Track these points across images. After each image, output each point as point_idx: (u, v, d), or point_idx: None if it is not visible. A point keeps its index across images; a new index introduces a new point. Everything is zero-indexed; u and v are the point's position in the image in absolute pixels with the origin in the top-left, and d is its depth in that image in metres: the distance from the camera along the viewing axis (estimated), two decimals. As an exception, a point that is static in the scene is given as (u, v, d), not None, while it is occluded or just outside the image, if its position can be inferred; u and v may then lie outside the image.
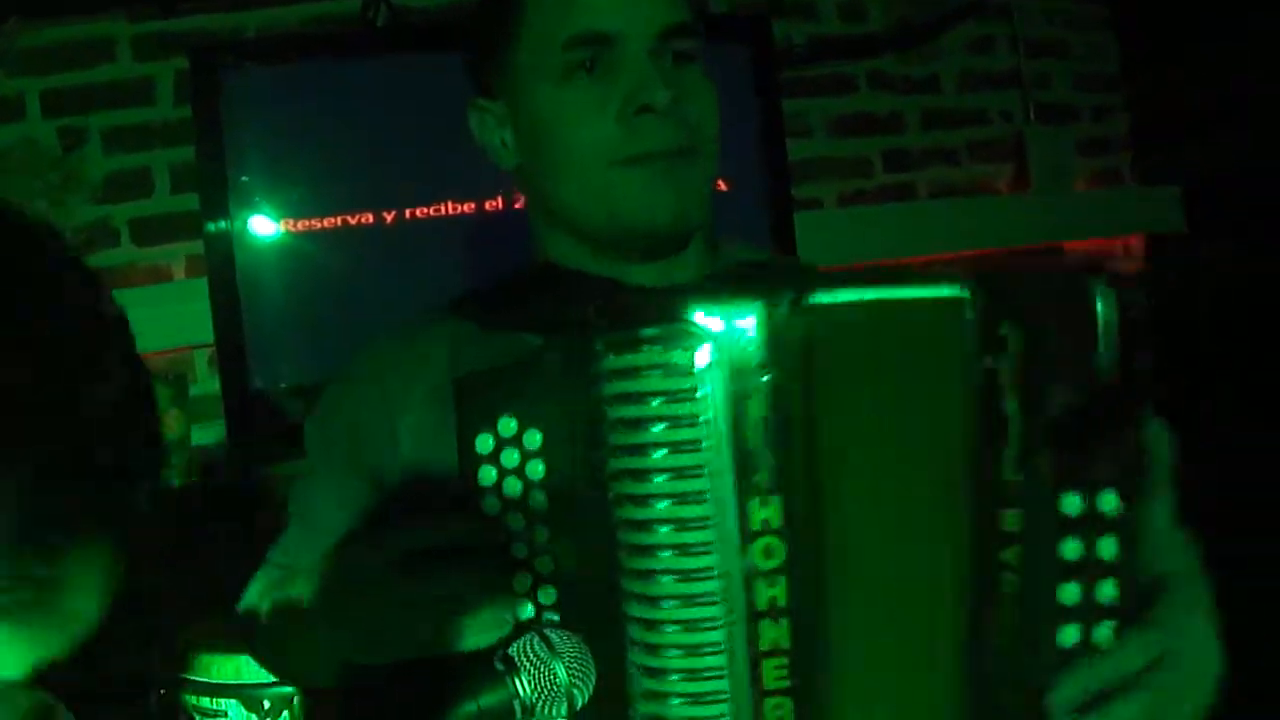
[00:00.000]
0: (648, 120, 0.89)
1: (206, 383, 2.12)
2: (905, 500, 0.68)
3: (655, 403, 0.65)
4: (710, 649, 0.65)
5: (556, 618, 0.73)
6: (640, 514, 0.66)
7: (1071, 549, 0.67)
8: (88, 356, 0.55)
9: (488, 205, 2.11)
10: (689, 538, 0.65)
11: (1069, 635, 0.67)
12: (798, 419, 0.66)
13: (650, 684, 0.67)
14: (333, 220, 2.08)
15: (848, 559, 0.68)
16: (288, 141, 2.08)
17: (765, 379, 0.65)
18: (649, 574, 0.66)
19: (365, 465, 0.93)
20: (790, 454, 0.66)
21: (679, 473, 0.65)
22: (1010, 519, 0.67)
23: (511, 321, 0.93)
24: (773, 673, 0.66)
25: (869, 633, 0.68)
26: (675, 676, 0.66)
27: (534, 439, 0.72)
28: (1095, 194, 2.55)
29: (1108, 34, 2.59)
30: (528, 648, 0.67)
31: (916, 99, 2.47)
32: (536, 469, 0.72)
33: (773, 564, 0.65)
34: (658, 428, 0.65)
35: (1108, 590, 0.67)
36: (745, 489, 0.65)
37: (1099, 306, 0.67)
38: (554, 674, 0.66)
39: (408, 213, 2.09)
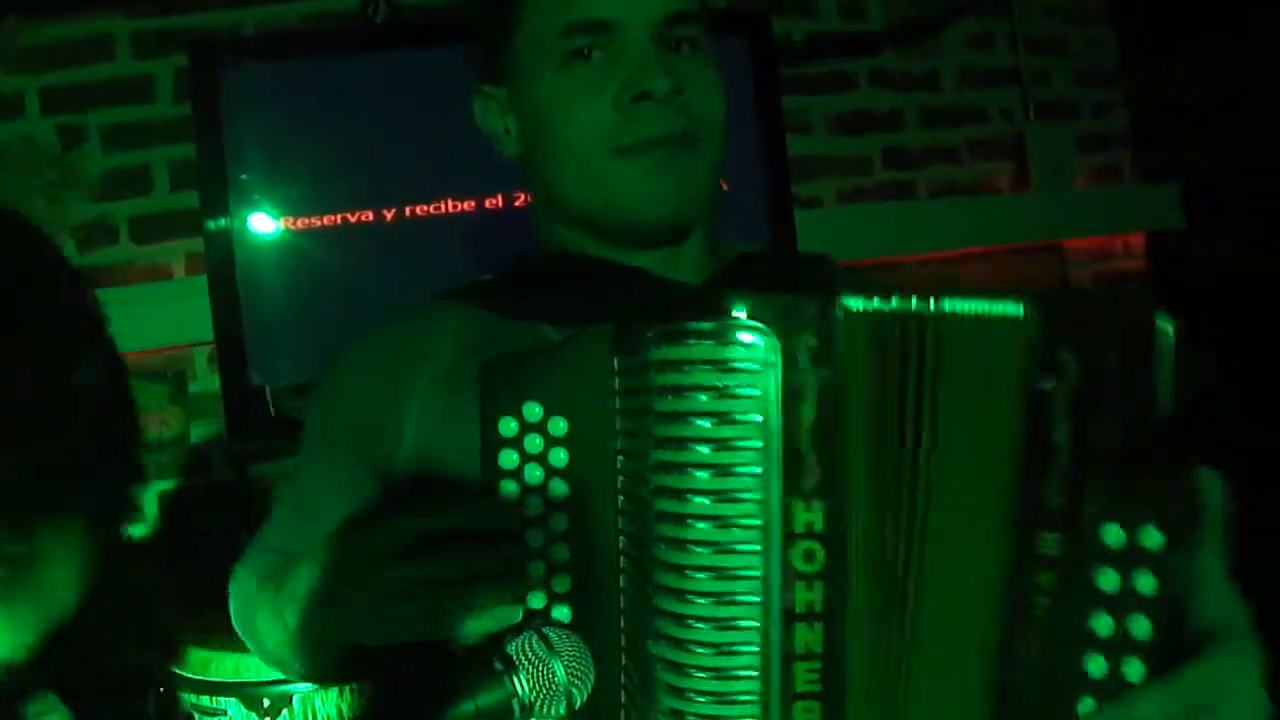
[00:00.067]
0: (646, 108, 0.88)
1: (206, 380, 2.12)
2: (946, 514, 0.67)
3: (704, 398, 0.64)
4: (743, 648, 0.64)
5: (568, 608, 0.73)
6: (679, 508, 0.65)
7: (1108, 580, 0.66)
8: (59, 338, 0.56)
9: (488, 203, 2.11)
10: (728, 535, 0.64)
11: (1097, 666, 0.66)
12: (846, 424, 0.65)
13: (674, 679, 0.66)
14: (332, 218, 2.08)
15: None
16: (287, 139, 2.08)
17: (817, 381, 0.64)
18: (682, 569, 0.65)
19: (367, 454, 0.93)
20: (837, 458, 0.65)
21: (723, 470, 0.64)
22: (1048, 543, 0.66)
23: (530, 310, 0.93)
24: (804, 675, 0.65)
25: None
26: (702, 674, 0.65)
27: (559, 426, 0.72)
28: (1095, 191, 2.55)
29: (1107, 29, 2.59)
30: (526, 646, 0.66)
31: (916, 96, 2.47)
32: (560, 456, 0.72)
33: (812, 568, 0.64)
34: (705, 423, 0.64)
35: (1141, 626, 0.65)
36: (791, 490, 0.64)
37: (1161, 342, 0.66)
38: (552, 673, 0.66)
39: (407, 210, 2.09)
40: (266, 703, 1.49)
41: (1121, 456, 0.65)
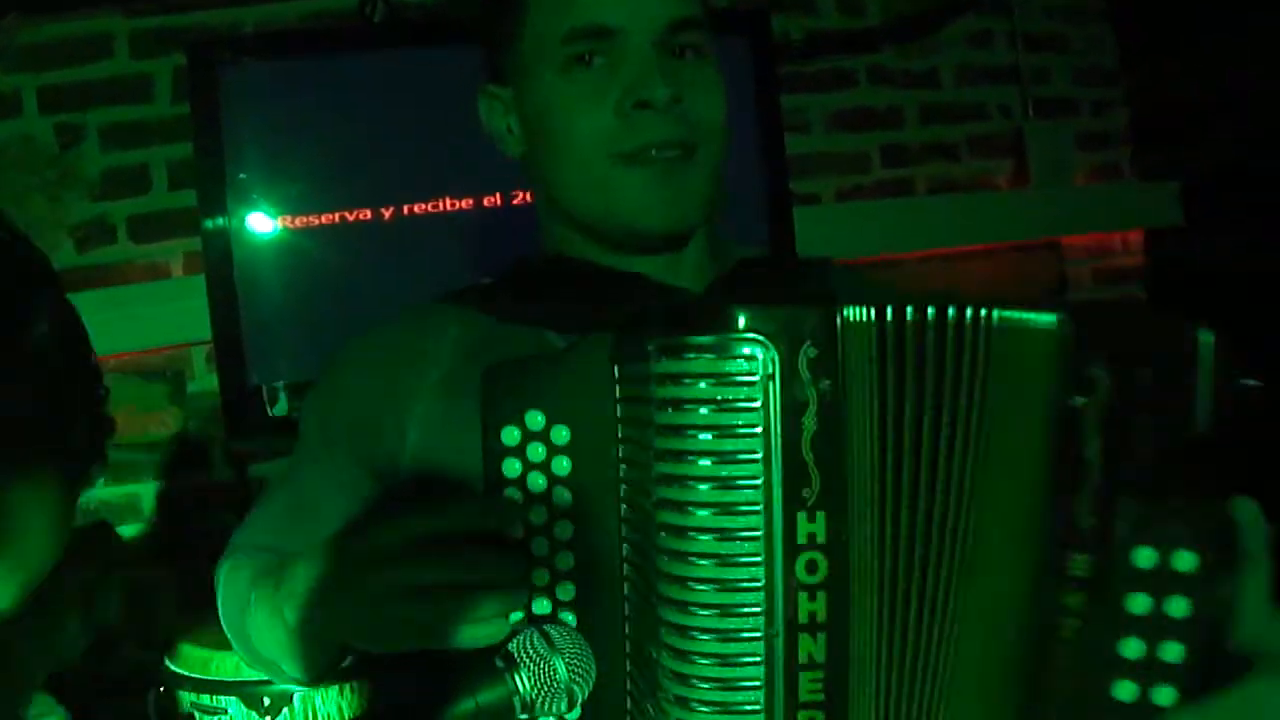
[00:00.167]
0: (646, 115, 0.88)
1: (204, 380, 2.11)
2: (963, 527, 0.66)
3: (705, 411, 0.63)
4: (748, 659, 0.64)
5: (572, 615, 0.73)
6: (681, 521, 0.65)
7: (1139, 603, 0.64)
8: (4, 290, 0.57)
9: (486, 202, 2.11)
10: (731, 548, 0.64)
11: (1126, 690, 0.65)
12: (850, 434, 0.64)
13: (678, 689, 0.66)
14: (331, 217, 2.07)
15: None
16: (285, 138, 2.07)
17: (819, 392, 0.63)
18: (685, 580, 0.65)
19: (366, 453, 0.93)
20: (840, 469, 0.64)
21: (725, 482, 0.64)
22: (1078, 564, 0.65)
23: (530, 315, 0.92)
24: (808, 685, 0.64)
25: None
26: (707, 685, 0.65)
27: (561, 434, 0.72)
28: (1094, 189, 2.55)
29: (1106, 27, 2.59)
30: (528, 644, 0.66)
31: (915, 93, 2.47)
32: (562, 464, 0.72)
33: (815, 579, 0.64)
34: (706, 436, 0.64)
35: (1173, 651, 0.64)
36: (793, 502, 0.63)
37: (1200, 361, 0.64)
38: (554, 670, 0.66)
39: (406, 209, 2.09)
40: (267, 701, 1.49)
41: (1155, 473, 0.64)
